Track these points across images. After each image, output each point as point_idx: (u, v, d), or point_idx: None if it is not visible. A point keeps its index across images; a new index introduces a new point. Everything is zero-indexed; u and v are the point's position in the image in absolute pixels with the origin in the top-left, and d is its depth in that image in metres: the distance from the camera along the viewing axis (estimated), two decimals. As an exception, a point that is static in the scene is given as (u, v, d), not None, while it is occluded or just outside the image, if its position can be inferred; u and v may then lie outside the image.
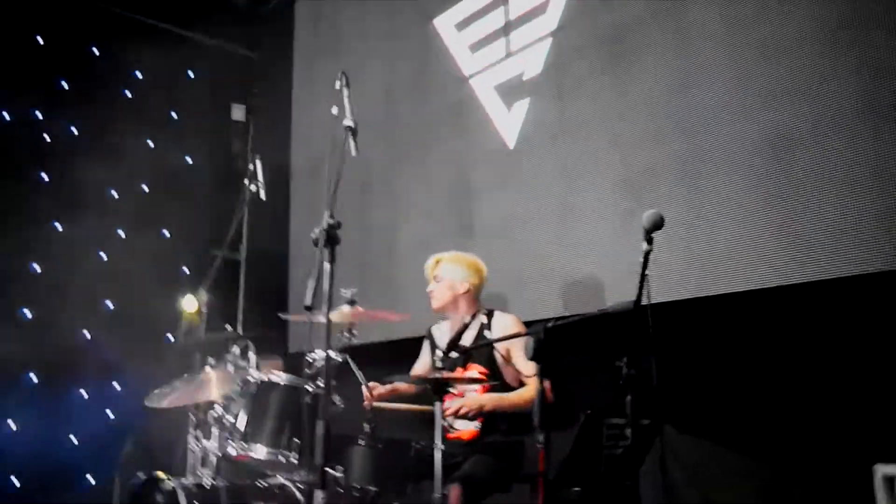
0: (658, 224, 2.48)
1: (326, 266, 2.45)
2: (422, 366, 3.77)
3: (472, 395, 3.33)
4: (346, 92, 2.84)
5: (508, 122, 4.34)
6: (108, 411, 5.89)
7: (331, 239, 2.49)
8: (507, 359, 3.36)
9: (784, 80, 3.12)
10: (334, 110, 2.80)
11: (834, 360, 2.94)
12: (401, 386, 3.49)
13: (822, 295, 2.96)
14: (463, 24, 4.75)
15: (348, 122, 2.77)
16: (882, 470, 1.50)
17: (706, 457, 3.46)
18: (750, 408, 3.24)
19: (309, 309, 2.32)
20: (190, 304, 5.74)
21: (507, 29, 4.40)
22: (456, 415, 3.24)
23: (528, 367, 3.26)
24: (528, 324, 3.32)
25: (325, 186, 2.63)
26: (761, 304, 3.16)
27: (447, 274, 3.57)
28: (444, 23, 4.89)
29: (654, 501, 3.48)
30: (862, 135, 2.86)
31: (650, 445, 2.94)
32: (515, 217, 4.21)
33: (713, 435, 3.45)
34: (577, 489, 2.93)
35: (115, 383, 5.97)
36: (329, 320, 2.43)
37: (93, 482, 5.64)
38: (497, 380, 3.36)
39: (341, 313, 3.21)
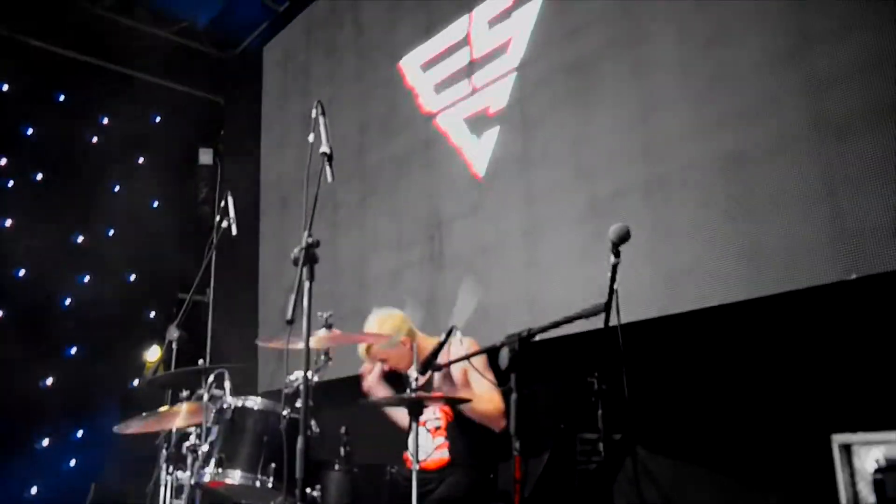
0: (624, 237, 2.57)
1: (306, 284, 2.50)
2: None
3: (431, 440, 3.38)
4: (322, 120, 2.89)
5: (477, 153, 4.48)
6: (71, 461, 5.76)
7: (310, 257, 2.55)
8: (466, 382, 3.36)
9: (736, 104, 3.29)
10: (311, 138, 2.86)
11: (792, 360, 3.06)
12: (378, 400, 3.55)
13: (781, 307, 3.08)
14: (428, 65, 4.92)
15: (325, 148, 2.79)
16: (838, 439, 1.59)
17: (678, 475, 3.52)
18: (716, 421, 3.33)
19: (290, 322, 2.36)
20: (153, 354, 5.72)
21: (471, 68, 4.57)
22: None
23: (482, 388, 3.27)
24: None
25: (300, 213, 2.66)
26: (724, 320, 3.27)
27: (385, 352, 3.55)
28: (409, 63, 5.06)
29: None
30: (811, 152, 3.03)
31: (623, 461, 2.99)
32: (484, 245, 4.31)
33: (683, 452, 3.52)
34: (551, 504, 2.96)
35: (79, 431, 5.85)
36: (308, 336, 2.47)
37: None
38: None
39: (317, 337, 3.23)
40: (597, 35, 3.92)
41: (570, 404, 3.66)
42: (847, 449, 1.58)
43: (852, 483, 1.57)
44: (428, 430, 3.43)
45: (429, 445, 3.37)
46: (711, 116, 3.39)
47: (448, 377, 3.41)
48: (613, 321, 2.51)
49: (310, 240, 2.56)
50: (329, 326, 3.21)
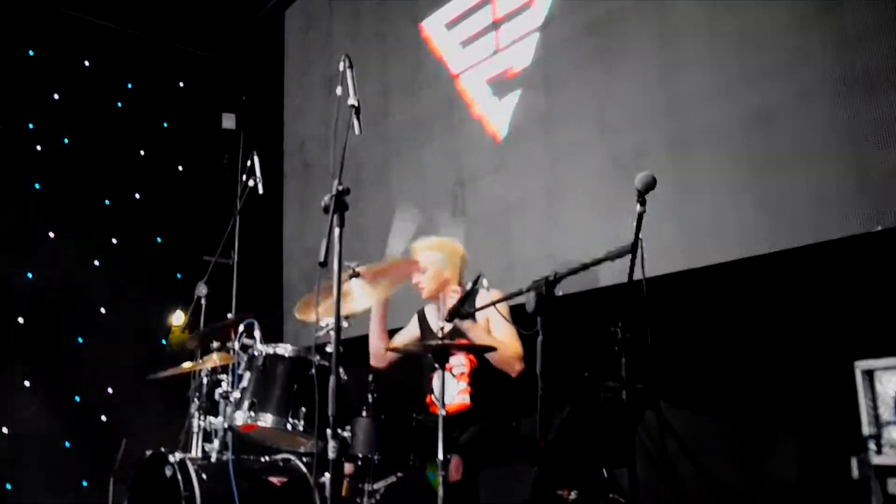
0: (650, 185, 2.59)
1: (336, 231, 2.57)
2: (403, 338, 3.82)
3: (459, 385, 3.45)
4: (349, 73, 2.94)
5: (499, 114, 4.50)
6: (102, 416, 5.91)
7: (340, 204, 2.62)
8: (487, 329, 3.43)
9: (761, 62, 3.30)
10: (338, 91, 2.90)
11: (813, 304, 3.11)
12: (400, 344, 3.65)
13: (806, 259, 3.11)
14: (452, 24, 4.94)
15: (352, 100, 2.86)
16: (861, 365, 1.64)
17: (698, 428, 3.58)
18: (737, 375, 3.38)
19: (323, 265, 2.44)
20: (178, 318, 5.83)
21: (495, 26, 4.58)
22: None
23: (503, 333, 3.36)
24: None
25: (323, 177, 2.73)
26: (747, 273, 3.31)
27: (430, 262, 3.63)
28: (433, 23, 5.08)
29: (650, 472, 3.61)
30: (836, 106, 3.03)
31: (644, 411, 3.04)
32: (507, 204, 4.35)
33: (704, 406, 3.57)
34: (573, 451, 3.02)
35: (108, 388, 6.00)
36: (339, 280, 2.55)
37: (86, 485, 5.65)
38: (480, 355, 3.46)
39: (352, 290, 3.29)
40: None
41: (594, 354, 3.72)
42: (870, 375, 1.63)
43: (874, 407, 1.62)
44: (454, 375, 3.50)
45: (453, 389, 3.45)
46: (736, 74, 3.40)
47: (473, 319, 3.47)
48: (637, 274, 2.56)
49: (340, 187, 2.64)
50: (356, 276, 3.28)
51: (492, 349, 3.19)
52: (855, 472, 1.61)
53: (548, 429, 2.63)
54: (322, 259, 2.44)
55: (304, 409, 3.07)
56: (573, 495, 3.18)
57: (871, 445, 1.61)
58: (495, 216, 4.44)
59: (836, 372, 1.77)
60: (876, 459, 1.58)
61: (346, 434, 2.97)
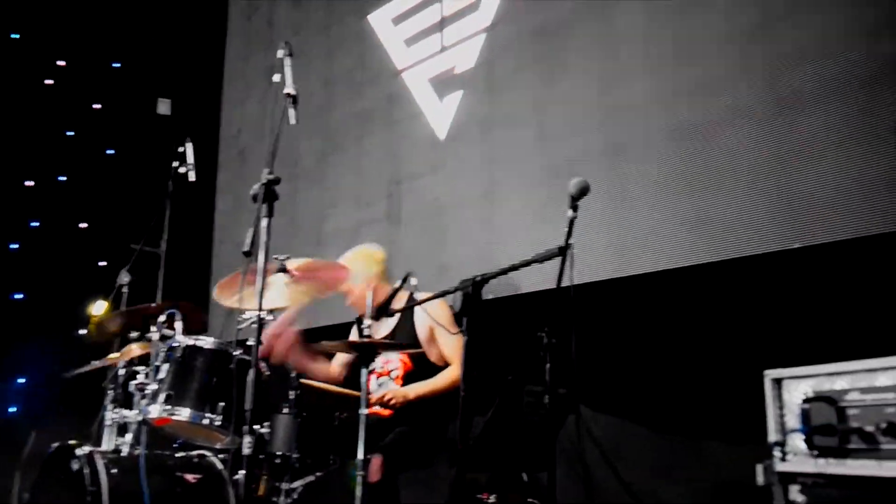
0: (583, 191, 2.62)
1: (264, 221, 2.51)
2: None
3: (396, 387, 3.40)
4: (288, 61, 2.88)
5: (440, 113, 4.50)
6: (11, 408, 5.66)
7: (269, 194, 2.56)
8: (432, 339, 3.44)
9: (696, 77, 3.37)
10: (276, 77, 2.84)
11: (729, 316, 3.20)
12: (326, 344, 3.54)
13: (727, 272, 3.19)
14: (399, 19, 4.92)
15: (290, 89, 2.79)
16: (770, 374, 1.68)
17: (619, 434, 3.63)
18: (657, 380, 3.45)
19: (247, 254, 2.38)
20: (99, 308, 5.62)
21: (441, 24, 4.58)
22: (381, 402, 3.30)
23: (451, 346, 3.35)
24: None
25: (258, 168, 2.67)
26: (674, 284, 3.37)
27: (351, 284, 3.56)
28: (379, 17, 5.04)
29: (571, 479, 3.64)
30: (763, 125, 3.12)
31: (566, 416, 3.06)
32: (443, 204, 4.35)
33: (625, 412, 3.63)
34: (493, 454, 3.02)
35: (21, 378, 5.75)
36: (265, 272, 2.48)
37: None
38: (422, 356, 3.44)
39: (276, 283, 3.21)
40: (567, 2, 3.96)
41: (520, 358, 3.73)
42: (778, 383, 1.67)
43: (781, 415, 1.65)
44: (391, 380, 3.48)
45: (399, 393, 3.41)
46: (672, 87, 3.46)
47: (410, 331, 3.46)
48: (566, 280, 2.57)
49: (270, 176, 2.58)
50: (284, 270, 3.21)
51: (417, 347, 3.17)
52: (760, 479, 1.64)
53: (469, 431, 2.62)
54: (247, 248, 2.38)
55: (222, 403, 2.99)
56: (493, 499, 3.18)
57: (777, 452, 1.64)
58: (431, 216, 4.43)
59: (751, 381, 1.81)
60: (780, 466, 1.61)
61: (265, 430, 2.90)
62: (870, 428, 1.52)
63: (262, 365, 3.16)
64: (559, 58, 3.95)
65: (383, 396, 3.26)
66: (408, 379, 3.47)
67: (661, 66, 3.51)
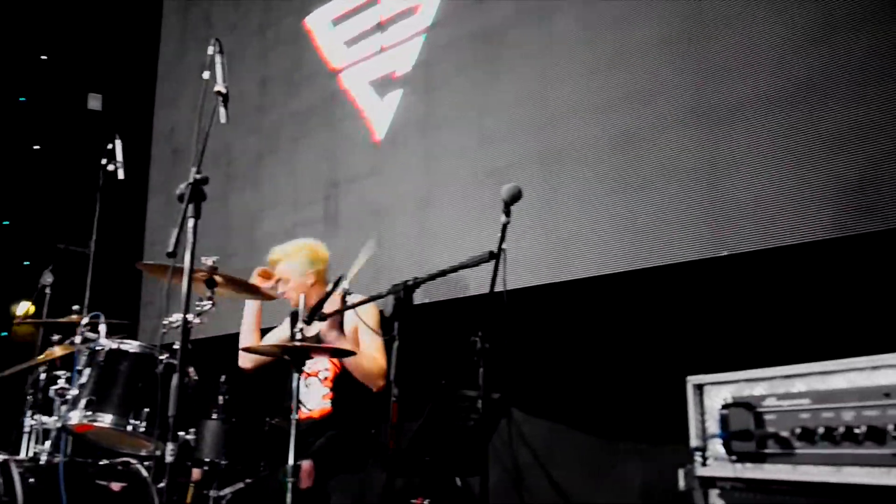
0: (516, 196, 2.64)
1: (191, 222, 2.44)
2: (273, 339, 3.73)
3: (323, 390, 3.40)
4: (219, 58, 2.81)
5: (379, 115, 4.47)
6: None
7: (196, 193, 2.49)
8: (355, 338, 3.39)
9: (631, 85, 3.42)
10: (206, 75, 2.78)
11: (659, 322, 3.27)
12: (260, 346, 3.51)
13: (657, 278, 3.24)
14: (338, 21, 4.86)
15: (220, 87, 2.72)
16: (692, 380, 1.71)
17: (550, 437, 3.67)
18: (589, 384, 3.50)
19: (172, 255, 2.31)
20: (22, 308, 5.42)
21: (381, 26, 4.55)
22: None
23: (373, 345, 3.32)
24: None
25: (190, 153, 2.60)
26: (608, 289, 3.41)
27: (290, 271, 3.54)
28: (318, 18, 4.99)
29: (502, 481, 3.66)
30: (692, 134, 3.19)
31: (499, 420, 3.07)
32: (380, 207, 4.32)
33: (557, 415, 3.67)
34: (426, 459, 3.01)
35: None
36: (191, 273, 2.42)
37: None
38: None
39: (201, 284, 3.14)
40: (507, 5, 3.97)
41: (454, 362, 3.73)
42: (700, 389, 1.70)
43: (702, 420, 1.68)
44: (320, 381, 3.45)
45: (317, 394, 3.39)
46: (608, 94, 3.50)
47: (340, 331, 3.42)
48: (499, 285, 2.59)
49: (198, 176, 2.51)
50: (214, 271, 3.13)
51: (351, 354, 3.14)
52: (681, 484, 1.67)
53: (400, 436, 2.60)
54: (171, 249, 2.31)
55: (146, 409, 2.90)
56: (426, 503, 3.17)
57: (698, 457, 1.67)
58: (368, 219, 4.39)
59: (678, 386, 1.84)
60: (700, 471, 1.64)
61: (190, 437, 2.83)
62: (785, 433, 1.56)
63: (191, 369, 3.09)
64: (498, 61, 3.97)
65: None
66: (337, 382, 3.44)
67: (598, 72, 3.55)
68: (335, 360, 3.46)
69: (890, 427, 1.37)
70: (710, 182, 3.10)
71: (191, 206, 2.47)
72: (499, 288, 2.60)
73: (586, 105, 3.57)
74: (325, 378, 3.48)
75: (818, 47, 2.87)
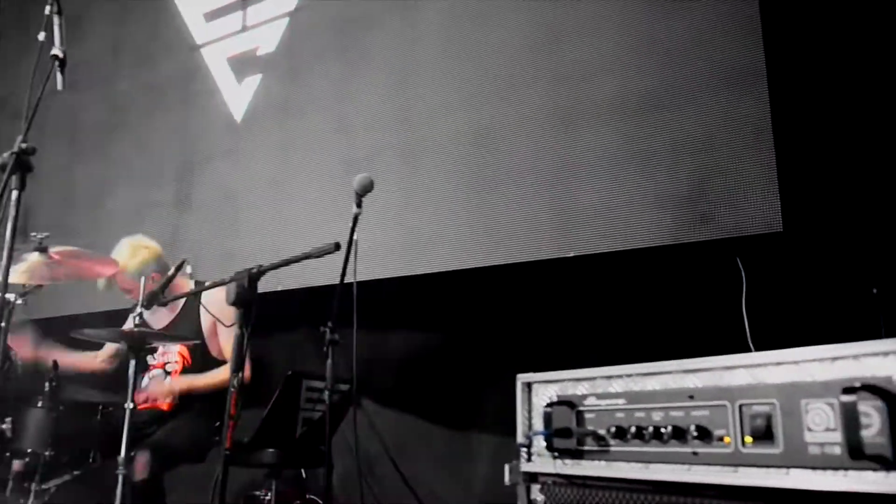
0: (367, 188, 2.63)
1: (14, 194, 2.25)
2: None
3: (166, 382, 3.30)
4: (56, 19, 2.62)
5: (237, 95, 4.31)
6: None
7: (21, 164, 2.30)
8: (214, 332, 3.35)
9: (488, 83, 3.48)
10: (41, 36, 2.58)
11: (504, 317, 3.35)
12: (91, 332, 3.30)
13: (504, 275, 3.32)
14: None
15: (56, 51, 2.54)
16: (522, 378, 1.77)
17: (402, 428, 3.69)
18: (438, 377, 3.56)
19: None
20: None
21: (244, 2, 4.39)
22: (147, 402, 3.19)
23: (227, 345, 3.23)
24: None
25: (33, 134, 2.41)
26: (459, 285, 3.46)
27: (135, 280, 3.29)
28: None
29: (348, 470, 3.64)
30: (546, 136, 3.28)
31: (346, 412, 3.06)
32: (235, 191, 4.17)
33: (406, 407, 3.70)
34: (271, 450, 2.95)
35: None
36: (11, 251, 2.23)
37: None
38: (202, 350, 3.33)
39: (30, 262, 2.92)
40: (373, -7, 3.94)
41: (302, 353, 3.68)
42: (528, 387, 1.75)
43: (529, 417, 1.73)
44: (169, 373, 3.35)
45: (164, 386, 3.24)
46: (467, 90, 3.54)
47: (195, 322, 3.32)
48: (350, 276, 2.56)
49: (23, 145, 2.33)
50: (43, 250, 2.92)
51: (191, 340, 3.03)
52: (507, 479, 1.72)
53: (236, 426, 2.52)
54: (-12, 223, 2.12)
55: (-42, 396, 2.67)
56: (269, 496, 3.11)
57: (523, 453, 1.72)
58: (221, 202, 4.22)
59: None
60: (525, 466, 1.69)
61: (6, 426, 2.62)
62: (602, 431, 1.63)
63: (13, 353, 2.87)
64: (361, 50, 3.92)
65: (147, 397, 3.16)
66: (185, 374, 3.32)
67: (458, 68, 3.58)
68: (185, 353, 3.37)
69: (691, 427, 1.47)
70: (562, 184, 3.20)
71: (14, 178, 2.29)
72: (349, 279, 2.58)
73: (446, 100, 3.59)
74: (174, 371, 3.38)
75: (665, 59, 3.01)
